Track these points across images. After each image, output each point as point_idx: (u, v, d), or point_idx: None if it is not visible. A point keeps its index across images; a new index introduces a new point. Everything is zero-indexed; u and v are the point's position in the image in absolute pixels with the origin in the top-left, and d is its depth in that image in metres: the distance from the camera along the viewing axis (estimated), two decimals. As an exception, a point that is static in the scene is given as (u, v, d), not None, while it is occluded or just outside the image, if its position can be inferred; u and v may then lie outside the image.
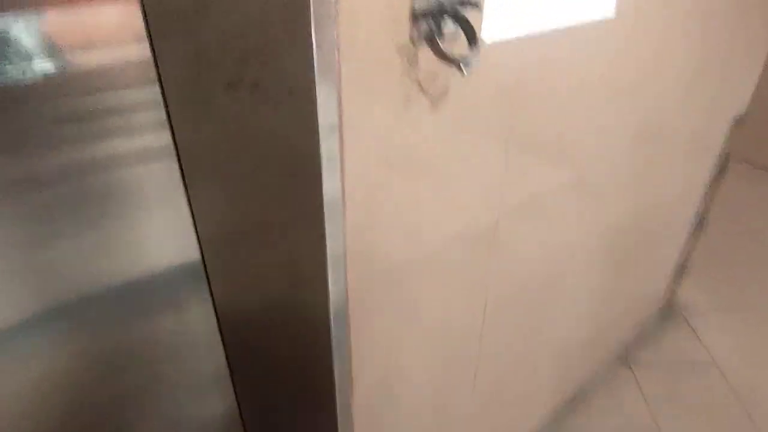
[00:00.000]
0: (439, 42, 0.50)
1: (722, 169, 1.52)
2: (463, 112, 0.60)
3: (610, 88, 0.86)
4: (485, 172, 0.70)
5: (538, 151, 0.77)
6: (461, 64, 0.49)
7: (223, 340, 0.74)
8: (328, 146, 0.49)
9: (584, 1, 0.68)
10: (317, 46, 0.44)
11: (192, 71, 0.54)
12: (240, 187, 0.57)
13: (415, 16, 0.49)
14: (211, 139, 0.57)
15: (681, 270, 1.76)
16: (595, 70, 0.80)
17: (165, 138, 0.57)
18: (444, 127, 0.59)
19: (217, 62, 0.51)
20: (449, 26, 0.51)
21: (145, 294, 0.63)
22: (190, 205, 0.62)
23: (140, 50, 0.52)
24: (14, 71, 0.47)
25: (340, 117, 0.48)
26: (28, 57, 0.47)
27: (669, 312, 1.85)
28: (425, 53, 0.52)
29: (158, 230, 0.61)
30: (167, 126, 0.57)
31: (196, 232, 0.64)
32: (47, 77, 0.49)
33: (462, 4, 0.52)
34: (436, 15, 0.50)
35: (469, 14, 0.51)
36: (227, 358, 0.75)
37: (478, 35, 0.50)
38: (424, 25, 0.50)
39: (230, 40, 0.49)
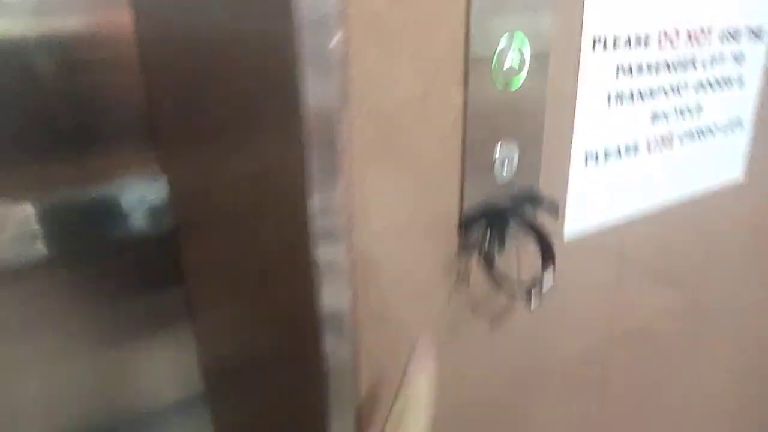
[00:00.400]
0: (495, 261, 0.36)
1: None
2: (534, 331, 0.44)
3: (746, 257, 0.66)
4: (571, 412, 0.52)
5: (645, 355, 0.58)
6: (530, 296, 0.35)
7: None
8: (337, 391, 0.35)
9: (702, 167, 0.52)
10: (322, 272, 0.32)
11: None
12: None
13: (466, 223, 0.36)
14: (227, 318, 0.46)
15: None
16: (722, 240, 0.61)
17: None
18: (506, 353, 0.43)
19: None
20: (513, 232, 0.38)
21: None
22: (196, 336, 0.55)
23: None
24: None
25: (355, 380, 0.34)
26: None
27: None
28: (479, 266, 0.38)
29: (161, 362, 0.56)
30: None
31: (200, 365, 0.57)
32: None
33: (533, 200, 0.38)
34: (494, 220, 0.36)
35: (543, 216, 0.38)
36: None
37: (554, 252, 0.35)
38: (476, 235, 0.37)
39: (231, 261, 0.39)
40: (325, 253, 0.32)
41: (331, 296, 0.33)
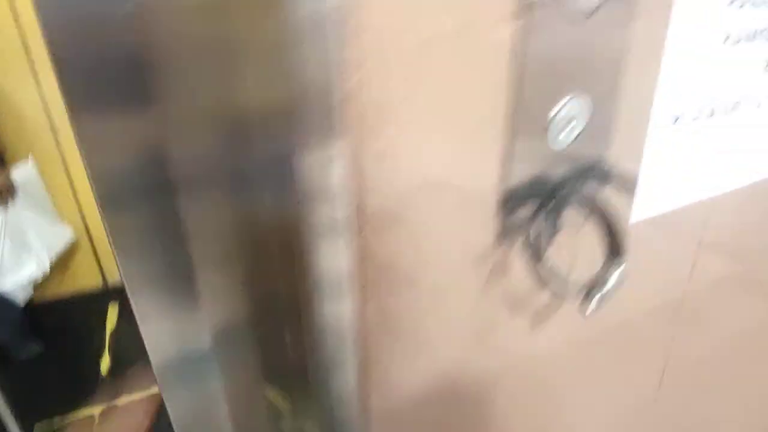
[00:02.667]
0: (543, 251, 0.27)
1: None
2: (588, 333, 0.37)
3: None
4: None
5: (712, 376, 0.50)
6: (588, 297, 0.27)
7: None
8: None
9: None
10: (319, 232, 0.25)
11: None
12: None
13: (510, 201, 0.28)
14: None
15: None
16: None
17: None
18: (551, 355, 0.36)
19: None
20: (569, 215, 0.29)
21: None
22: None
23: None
24: None
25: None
26: None
27: None
28: (521, 255, 0.30)
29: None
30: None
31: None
32: None
33: (600, 175, 0.29)
34: (547, 200, 0.28)
35: (610, 195, 0.29)
36: None
37: (625, 245, 0.27)
38: (522, 217, 0.28)
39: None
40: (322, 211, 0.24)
41: (330, 259, 0.26)
